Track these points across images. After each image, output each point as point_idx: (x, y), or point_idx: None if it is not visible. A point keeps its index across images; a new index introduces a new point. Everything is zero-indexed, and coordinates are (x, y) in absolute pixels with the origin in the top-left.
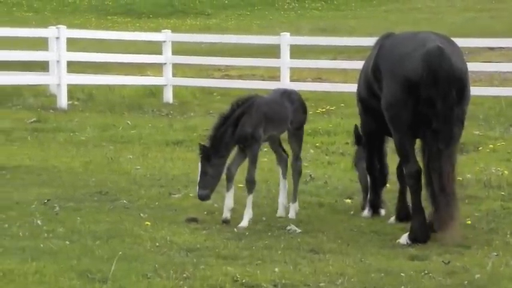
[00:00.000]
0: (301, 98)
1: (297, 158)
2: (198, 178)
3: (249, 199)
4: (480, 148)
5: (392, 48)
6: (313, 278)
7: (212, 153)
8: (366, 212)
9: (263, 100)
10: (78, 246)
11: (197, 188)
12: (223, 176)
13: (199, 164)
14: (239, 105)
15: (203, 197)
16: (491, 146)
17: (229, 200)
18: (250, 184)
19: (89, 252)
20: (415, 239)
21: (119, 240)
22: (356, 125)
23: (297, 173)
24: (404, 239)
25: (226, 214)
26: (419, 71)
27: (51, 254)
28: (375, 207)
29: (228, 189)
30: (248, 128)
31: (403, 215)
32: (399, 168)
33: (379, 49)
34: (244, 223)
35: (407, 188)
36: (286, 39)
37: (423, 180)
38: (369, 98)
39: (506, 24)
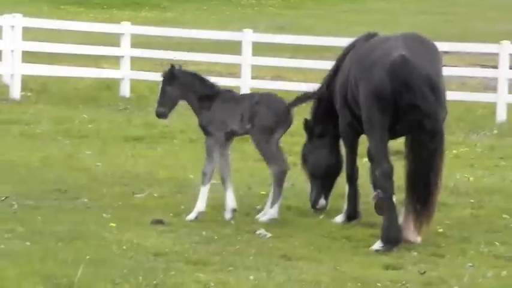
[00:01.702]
0: (276, 103)
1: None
2: (158, 97)
3: (201, 192)
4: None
5: (364, 54)
6: (288, 286)
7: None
8: (340, 219)
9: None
10: (40, 248)
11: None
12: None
13: (160, 83)
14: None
15: (159, 114)
16: (454, 151)
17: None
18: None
19: (52, 255)
20: (387, 241)
21: (82, 243)
22: (306, 119)
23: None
24: (377, 245)
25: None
26: (387, 82)
27: (12, 256)
28: (350, 218)
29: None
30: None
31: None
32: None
33: (353, 53)
34: (191, 215)
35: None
36: (248, 36)
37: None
38: (349, 97)
39: (461, 27)
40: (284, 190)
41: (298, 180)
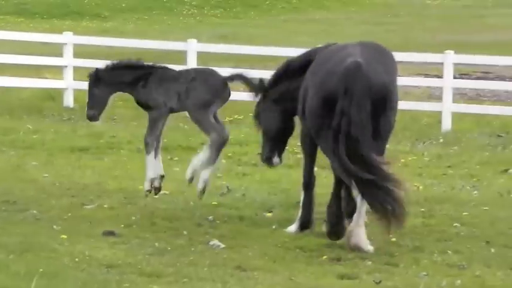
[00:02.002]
0: (212, 78)
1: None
2: (87, 100)
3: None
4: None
5: (321, 62)
6: None
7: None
8: (293, 228)
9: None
10: None
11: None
12: None
13: (88, 84)
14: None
15: (90, 117)
16: (402, 160)
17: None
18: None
19: (4, 267)
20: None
21: (34, 255)
22: (261, 79)
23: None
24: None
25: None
26: (336, 87)
27: None
28: (303, 227)
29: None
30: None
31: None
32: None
33: (313, 63)
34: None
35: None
36: (193, 46)
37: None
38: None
39: (402, 38)
40: (235, 200)
41: (249, 190)
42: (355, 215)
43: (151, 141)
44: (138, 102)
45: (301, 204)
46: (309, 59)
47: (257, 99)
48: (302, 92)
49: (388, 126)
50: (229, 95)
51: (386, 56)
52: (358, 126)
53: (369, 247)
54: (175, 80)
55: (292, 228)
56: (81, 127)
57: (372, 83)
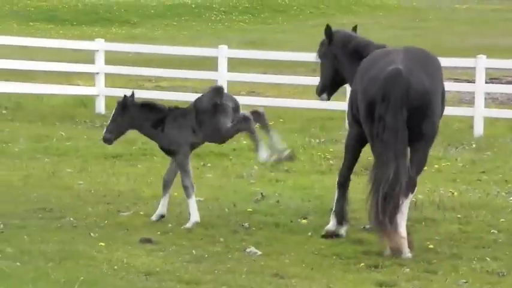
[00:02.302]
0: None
1: None
2: (108, 122)
3: (190, 204)
4: (425, 168)
5: (366, 68)
6: None
7: (131, 104)
8: (330, 226)
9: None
10: (31, 268)
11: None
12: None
13: (115, 109)
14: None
15: (106, 140)
16: (436, 166)
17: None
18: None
19: (44, 275)
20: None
21: (73, 263)
22: (328, 25)
23: None
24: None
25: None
26: (376, 94)
27: (4, 278)
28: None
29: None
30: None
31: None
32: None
33: (361, 66)
34: (189, 225)
35: None
36: (224, 52)
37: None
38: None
39: (430, 42)
40: (270, 207)
41: (283, 196)
42: (398, 218)
43: (190, 183)
44: (162, 148)
45: (334, 202)
46: (364, 48)
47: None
48: (352, 95)
49: (432, 130)
50: (232, 100)
51: (430, 62)
52: (391, 131)
53: (408, 254)
54: (186, 117)
55: (330, 226)
56: None
57: (411, 89)
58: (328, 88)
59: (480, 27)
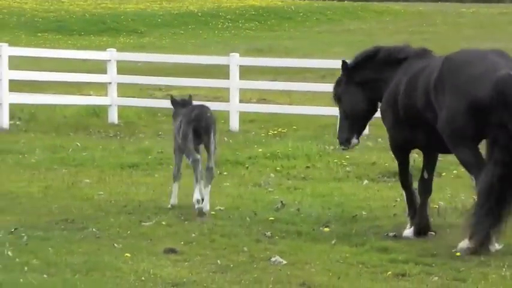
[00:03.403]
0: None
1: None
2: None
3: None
4: (443, 174)
5: (462, 65)
6: None
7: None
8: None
9: None
10: (58, 281)
11: None
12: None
13: None
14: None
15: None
16: (454, 171)
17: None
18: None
19: (72, 287)
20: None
21: (99, 274)
22: (344, 61)
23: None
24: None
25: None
26: (490, 98)
27: None
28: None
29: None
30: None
31: (423, 228)
32: (421, 182)
33: (445, 62)
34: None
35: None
36: (235, 60)
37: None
38: (420, 108)
39: (439, 46)
40: (291, 215)
41: (303, 204)
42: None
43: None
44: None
45: (405, 202)
46: (404, 56)
47: (337, 80)
48: (395, 98)
49: None
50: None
51: None
52: None
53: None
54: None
55: (408, 233)
56: (128, 143)
57: None
58: (358, 128)
59: (488, 31)
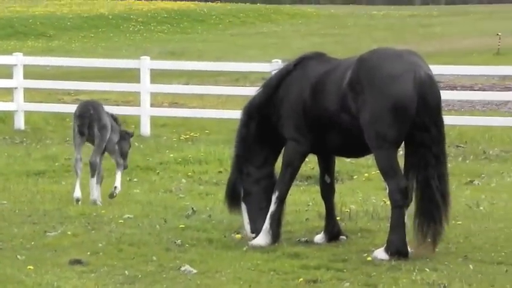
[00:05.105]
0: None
1: None
2: None
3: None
4: (355, 177)
5: (379, 64)
6: None
7: None
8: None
9: None
10: None
11: None
12: None
13: None
14: None
15: None
16: (366, 174)
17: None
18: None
19: None
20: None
21: (1, 287)
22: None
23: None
24: (381, 254)
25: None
26: (413, 98)
27: None
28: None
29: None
30: None
31: (334, 232)
32: (324, 187)
33: (359, 62)
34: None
35: None
36: (146, 63)
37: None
38: (334, 112)
39: (350, 48)
40: (202, 222)
41: (214, 210)
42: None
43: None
44: None
45: (269, 216)
46: (295, 63)
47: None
48: (296, 107)
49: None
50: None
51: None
52: (439, 144)
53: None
54: None
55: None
56: (35, 150)
57: (439, 95)
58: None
59: (399, 33)
